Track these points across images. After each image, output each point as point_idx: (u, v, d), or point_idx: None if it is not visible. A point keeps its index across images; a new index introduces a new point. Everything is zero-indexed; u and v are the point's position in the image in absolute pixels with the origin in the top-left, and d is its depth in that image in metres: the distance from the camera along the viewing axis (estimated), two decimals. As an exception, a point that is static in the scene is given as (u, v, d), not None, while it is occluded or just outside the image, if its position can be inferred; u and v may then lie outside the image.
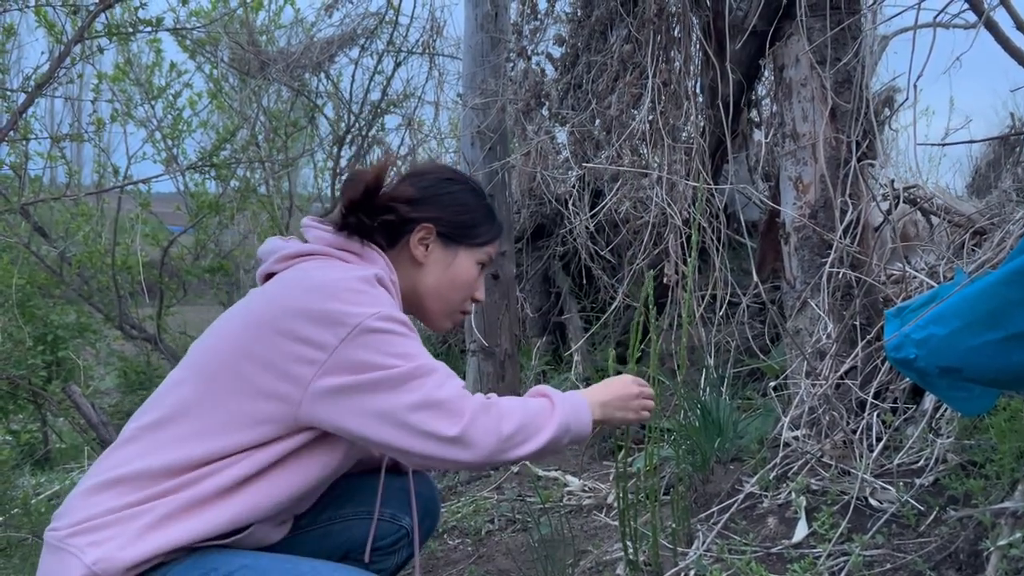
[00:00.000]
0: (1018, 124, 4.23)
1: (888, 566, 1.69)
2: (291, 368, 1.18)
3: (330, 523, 1.55)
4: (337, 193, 5.22)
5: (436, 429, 1.17)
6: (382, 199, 1.40)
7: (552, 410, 1.31)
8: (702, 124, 3.10)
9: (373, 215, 1.38)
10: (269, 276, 1.36)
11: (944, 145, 2.72)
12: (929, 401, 2.13)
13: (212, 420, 1.20)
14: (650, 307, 1.81)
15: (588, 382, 3.44)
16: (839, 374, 2.25)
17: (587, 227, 3.33)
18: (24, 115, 3.65)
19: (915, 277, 2.45)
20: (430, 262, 1.44)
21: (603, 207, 3.20)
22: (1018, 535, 1.50)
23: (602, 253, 3.42)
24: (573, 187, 3.67)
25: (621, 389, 1.44)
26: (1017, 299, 1.31)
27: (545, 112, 3.62)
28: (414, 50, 5.14)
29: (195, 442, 1.19)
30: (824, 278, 2.37)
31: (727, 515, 2.04)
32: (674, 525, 1.96)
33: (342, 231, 1.37)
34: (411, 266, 1.44)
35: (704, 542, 1.94)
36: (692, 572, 1.84)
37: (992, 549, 1.51)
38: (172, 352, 5.51)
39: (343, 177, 5.28)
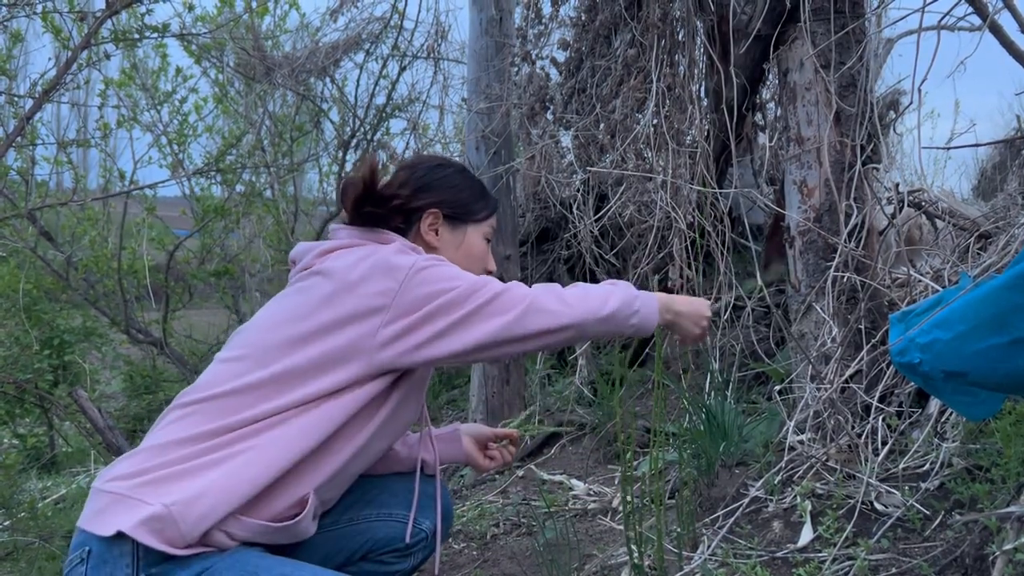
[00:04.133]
0: (1024, 127, 4.21)
1: (893, 570, 1.68)
2: (362, 317, 1.27)
3: (351, 524, 1.58)
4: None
5: (508, 310, 1.31)
6: (383, 193, 1.47)
7: (615, 287, 1.43)
8: (706, 128, 3.10)
9: (381, 205, 1.46)
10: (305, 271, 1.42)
11: (949, 148, 2.72)
12: (934, 405, 2.13)
13: (280, 385, 1.26)
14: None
15: (593, 386, 3.44)
16: (844, 378, 2.25)
17: (592, 231, 3.33)
18: (31, 120, 3.67)
19: (920, 281, 2.44)
20: (442, 245, 1.53)
21: (607, 211, 3.21)
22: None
23: (607, 257, 3.42)
24: (578, 191, 3.67)
25: (700, 306, 1.55)
26: (1022, 303, 1.31)
27: (549, 116, 3.63)
28: (419, 54, 5.16)
29: (262, 403, 1.25)
30: (829, 282, 2.37)
31: (732, 519, 2.04)
32: (679, 529, 1.96)
33: (364, 223, 1.45)
34: (426, 252, 1.49)
35: (709, 546, 1.94)
36: (697, 576, 1.84)
37: (998, 553, 1.50)
38: (178, 356, 5.52)
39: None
